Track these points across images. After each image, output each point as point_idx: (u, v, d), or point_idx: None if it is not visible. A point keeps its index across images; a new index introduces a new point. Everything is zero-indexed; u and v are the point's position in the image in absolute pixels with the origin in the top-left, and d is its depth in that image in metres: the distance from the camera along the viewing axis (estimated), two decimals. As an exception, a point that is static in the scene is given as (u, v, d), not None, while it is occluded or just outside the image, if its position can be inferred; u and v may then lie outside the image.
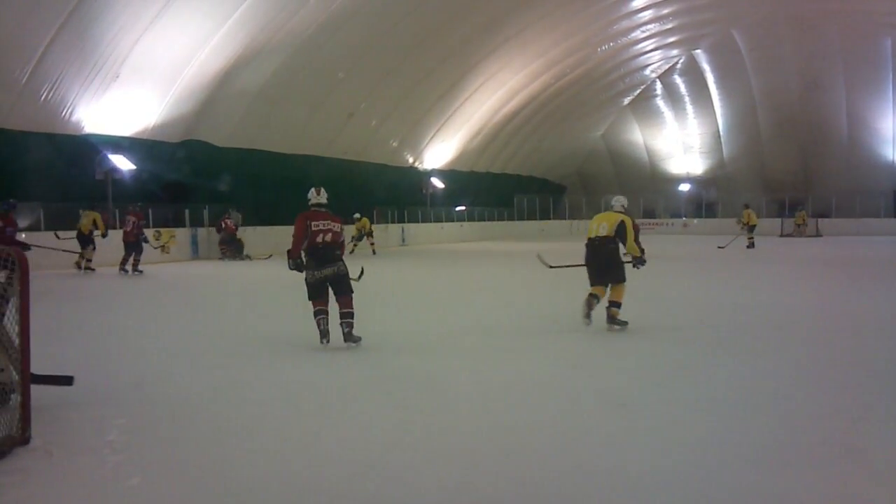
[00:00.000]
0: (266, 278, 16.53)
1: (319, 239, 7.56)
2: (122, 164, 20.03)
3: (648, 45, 35.21)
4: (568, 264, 10.16)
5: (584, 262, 8.78)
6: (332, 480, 3.91)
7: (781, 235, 37.06)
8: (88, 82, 18.45)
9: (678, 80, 40.55)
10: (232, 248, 21.86)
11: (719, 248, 24.72)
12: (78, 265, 17.01)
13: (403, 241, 30.71)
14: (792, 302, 11.65)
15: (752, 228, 26.12)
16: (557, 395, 5.77)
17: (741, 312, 10.44)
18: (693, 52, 37.72)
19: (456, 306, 11.62)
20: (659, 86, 41.21)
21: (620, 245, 8.54)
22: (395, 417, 5.07)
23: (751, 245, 25.61)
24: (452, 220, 36.08)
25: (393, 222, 31.05)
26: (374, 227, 25.27)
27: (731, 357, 7.28)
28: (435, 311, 11.10)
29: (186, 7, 18.20)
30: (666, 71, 39.72)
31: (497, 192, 40.34)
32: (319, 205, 7.91)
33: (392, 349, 7.64)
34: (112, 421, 4.95)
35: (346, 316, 7.50)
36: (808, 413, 5.21)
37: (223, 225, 22.09)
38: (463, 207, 37.30)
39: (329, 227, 7.67)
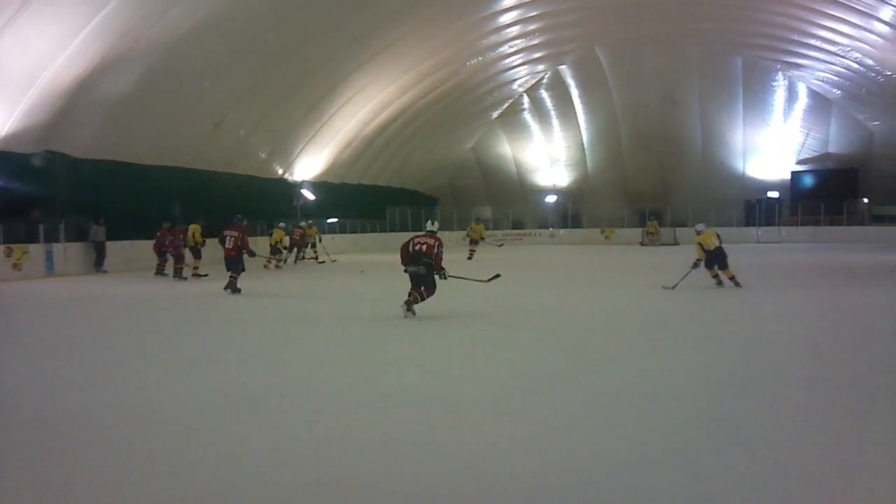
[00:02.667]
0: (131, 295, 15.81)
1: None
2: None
3: (516, 59, 35.99)
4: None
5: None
6: None
7: (640, 244, 38.69)
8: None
9: (544, 94, 41.62)
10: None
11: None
12: None
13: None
14: (662, 308, 12.10)
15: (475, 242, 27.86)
16: (434, 404, 5.78)
17: (616, 317, 10.82)
18: (558, 67, 38.83)
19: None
20: (526, 100, 42.17)
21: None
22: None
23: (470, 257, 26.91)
24: (324, 233, 35.66)
25: (262, 234, 30.35)
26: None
27: (600, 362, 7.51)
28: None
29: (41, 13, 17.20)
30: (532, 85, 40.70)
31: (369, 203, 40.19)
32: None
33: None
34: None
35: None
36: (677, 414, 5.41)
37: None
38: (335, 220, 36.98)
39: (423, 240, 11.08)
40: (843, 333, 9.83)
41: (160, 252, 20.34)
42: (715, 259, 14.63)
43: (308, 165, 33.95)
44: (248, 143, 29.35)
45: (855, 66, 32.40)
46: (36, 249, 20.70)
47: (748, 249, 32.63)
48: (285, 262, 24.92)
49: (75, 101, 20.40)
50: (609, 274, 20.95)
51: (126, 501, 4.00)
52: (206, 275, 19.40)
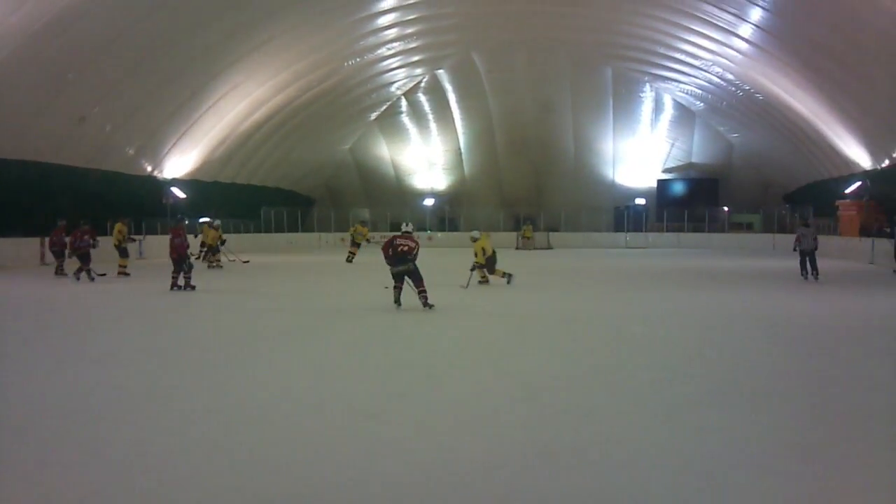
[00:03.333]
0: None
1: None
2: None
3: (394, 62, 35.97)
4: None
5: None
6: None
7: (517, 248, 39.38)
8: None
9: (422, 97, 41.79)
10: None
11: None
12: None
13: (141, 253, 28.97)
14: (532, 308, 12.33)
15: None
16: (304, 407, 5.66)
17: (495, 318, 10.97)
18: (436, 71, 39.07)
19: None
20: (404, 103, 42.22)
21: None
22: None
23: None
24: (195, 233, 34.54)
25: (135, 234, 29.08)
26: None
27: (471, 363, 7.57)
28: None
29: None
30: (410, 89, 40.79)
31: (243, 203, 39.24)
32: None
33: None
34: None
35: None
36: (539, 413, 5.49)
37: None
38: (206, 219, 35.86)
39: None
40: (708, 333, 10.26)
41: (58, 252, 19.95)
42: (492, 262, 16.63)
43: (179, 163, 32.87)
44: (115, 139, 28.17)
45: (716, 80, 34.03)
46: None
47: (617, 254, 33.90)
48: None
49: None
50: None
51: None
52: (128, 274, 19.70)
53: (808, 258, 18.48)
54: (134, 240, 20.96)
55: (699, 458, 4.66)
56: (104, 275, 18.99)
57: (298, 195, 46.03)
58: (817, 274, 18.38)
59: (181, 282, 16.00)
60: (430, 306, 12.12)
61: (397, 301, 12.32)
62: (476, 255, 16.42)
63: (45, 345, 9.26)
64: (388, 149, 45.97)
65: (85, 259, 18.53)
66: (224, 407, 5.93)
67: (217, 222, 25.91)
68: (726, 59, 30.81)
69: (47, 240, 20.92)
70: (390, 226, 45.43)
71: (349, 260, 26.39)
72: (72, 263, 19.26)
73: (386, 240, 12.67)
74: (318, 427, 5.33)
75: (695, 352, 8.80)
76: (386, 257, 12.38)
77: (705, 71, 33.50)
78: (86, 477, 4.32)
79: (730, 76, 32.87)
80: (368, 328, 10.69)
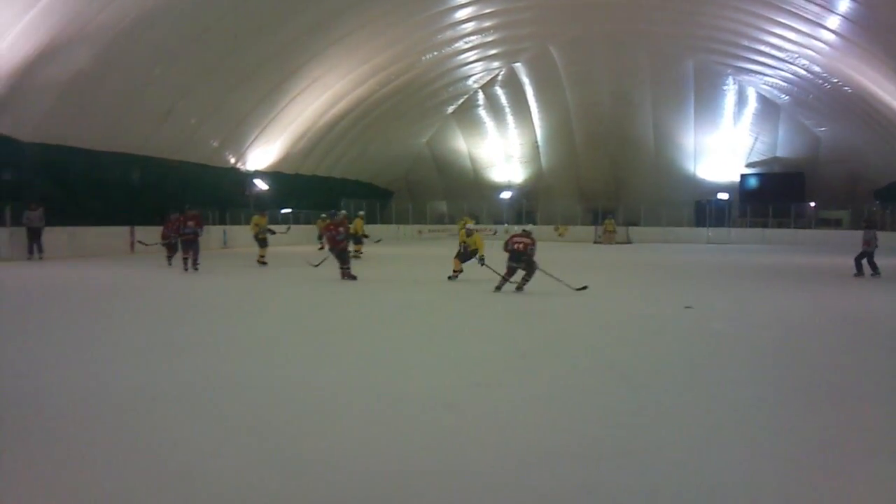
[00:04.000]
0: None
1: None
2: None
3: (471, 56, 36.11)
4: None
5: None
6: None
7: (595, 242, 39.10)
8: None
9: (499, 91, 41.84)
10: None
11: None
12: None
13: (225, 243, 29.90)
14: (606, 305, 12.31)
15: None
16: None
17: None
18: (513, 64, 39.03)
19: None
20: (481, 96, 42.34)
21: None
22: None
23: None
24: (278, 223, 35.43)
25: (215, 224, 30.09)
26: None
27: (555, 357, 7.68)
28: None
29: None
30: (488, 82, 40.88)
31: (323, 195, 39.95)
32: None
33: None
34: None
35: None
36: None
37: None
38: (288, 210, 36.79)
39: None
40: (788, 333, 10.06)
41: (169, 244, 19.70)
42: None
43: (261, 155, 33.72)
44: (200, 132, 29.07)
45: (802, 72, 33.01)
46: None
47: (699, 250, 33.22)
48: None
49: (22, 85, 20.10)
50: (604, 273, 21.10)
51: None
52: (266, 263, 20.06)
53: (869, 257, 17.95)
54: (273, 231, 20.88)
55: (770, 459, 4.60)
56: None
57: (377, 188, 46.66)
58: (860, 272, 17.87)
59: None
60: (521, 290, 13.51)
61: (498, 288, 13.60)
62: (479, 247, 15.70)
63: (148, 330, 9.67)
64: (465, 142, 46.15)
65: (187, 247, 17.61)
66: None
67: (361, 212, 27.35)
68: (813, 50, 29.87)
69: (161, 229, 20.51)
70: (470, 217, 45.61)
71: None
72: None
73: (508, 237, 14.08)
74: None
75: (773, 351, 8.59)
76: (506, 250, 13.71)
77: (791, 63, 32.54)
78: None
79: (816, 68, 31.85)
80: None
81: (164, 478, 4.11)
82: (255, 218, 20.77)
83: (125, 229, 25.51)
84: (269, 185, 34.51)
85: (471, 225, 24.05)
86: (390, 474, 4.18)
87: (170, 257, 19.63)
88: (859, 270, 17.88)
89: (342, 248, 15.86)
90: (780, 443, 4.88)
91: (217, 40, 24.48)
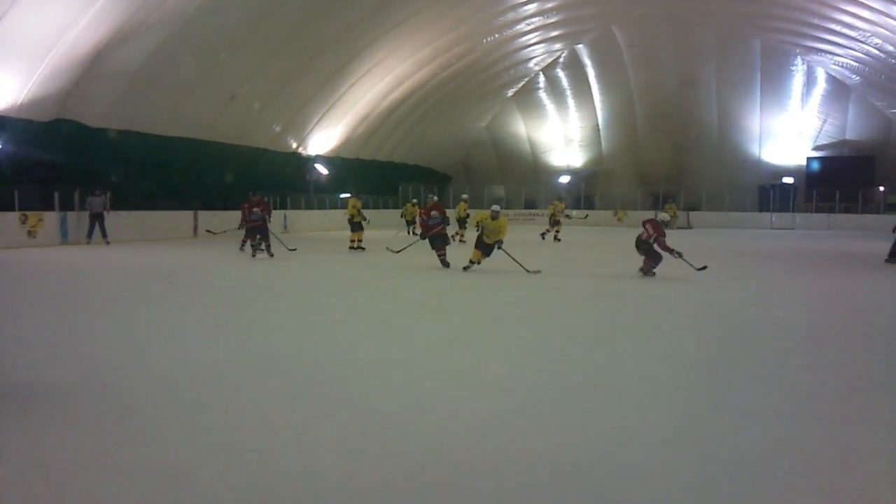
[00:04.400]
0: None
1: None
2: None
3: (532, 38, 35.80)
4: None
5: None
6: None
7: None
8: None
9: (560, 73, 41.42)
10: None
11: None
12: None
13: (286, 227, 30.21)
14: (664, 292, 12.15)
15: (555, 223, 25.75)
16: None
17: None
18: (575, 46, 38.60)
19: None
20: (542, 79, 41.98)
21: None
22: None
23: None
24: (336, 208, 35.75)
25: (275, 208, 30.39)
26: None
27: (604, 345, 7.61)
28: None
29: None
30: (549, 64, 40.50)
31: (382, 179, 40.14)
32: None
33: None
34: None
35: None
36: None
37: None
38: (348, 195, 36.97)
39: None
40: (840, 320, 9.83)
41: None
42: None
43: (322, 140, 33.96)
44: (263, 117, 29.39)
45: (875, 52, 32.05)
46: (50, 217, 20.82)
47: (762, 235, 32.55)
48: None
49: (92, 71, 20.52)
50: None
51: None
52: (363, 248, 20.09)
53: None
54: (365, 219, 20.61)
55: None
56: (294, 249, 19.09)
57: (435, 172, 46.67)
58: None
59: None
60: (651, 273, 13.46)
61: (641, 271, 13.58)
62: (501, 231, 14.08)
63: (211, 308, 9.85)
64: (524, 125, 45.87)
65: (255, 233, 17.32)
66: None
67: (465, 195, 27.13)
68: (887, 29, 28.99)
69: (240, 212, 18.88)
70: (524, 203, 45.44)
71: (557, 238, 25.31)
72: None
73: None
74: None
75: (829, 340, 8.37)
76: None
77: (863, 42, 31.60)
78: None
79: (890, 48, 30.88)
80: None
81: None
82: (352, 200, 20.57)
83: (189, 214, 25.94)
84: (330, 170, 34.77)
85: (571, 211, 23.31)
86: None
87: (245, 243, 18.72)
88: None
89: (437, 234, 15.16)
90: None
91: (279, 25, 24.66)
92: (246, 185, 23.32)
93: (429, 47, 31.86)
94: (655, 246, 13.08)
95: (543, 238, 25.45)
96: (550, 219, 26.04)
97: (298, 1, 23.92)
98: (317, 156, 34.24)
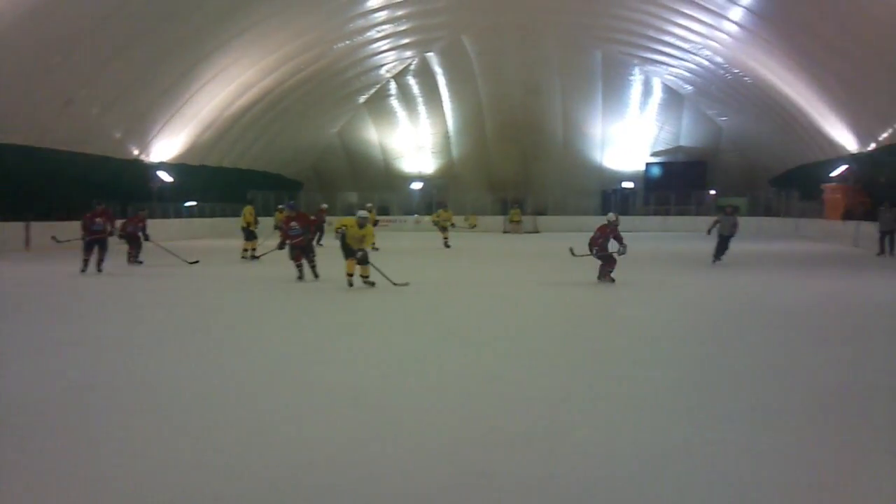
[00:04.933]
0: None
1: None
2: None
3: (383, 45, 35.76)
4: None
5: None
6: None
7: (504, 232, 39.44)
8: None
9: (411, 80, 41.60)
10: None
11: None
12: None
13: (147, 237, 28.67)
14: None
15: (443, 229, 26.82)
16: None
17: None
18: (425, 54, 38.90)
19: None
20: (393, 85, 42.04)
21: None
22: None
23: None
24: (181, 216, 34.45)
25: (117, 218, 28.81)
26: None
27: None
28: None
29: None
30: (400, 71, 40.60)
31: (230, 187, 38.93)
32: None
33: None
34: None
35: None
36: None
37: None
38: (193, 203, 35.78)
39: None
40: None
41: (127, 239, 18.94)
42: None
43: (166, 147, 32.58)
44: (102, 122, 27.86)
45: (706, 63, 34.06)
46: None
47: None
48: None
49: None
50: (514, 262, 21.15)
51: None
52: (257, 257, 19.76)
53: (724, 242, 18.63)
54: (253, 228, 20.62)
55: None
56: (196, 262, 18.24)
57: (286, 179, 45.77)
58: (720, 258, 18.68)
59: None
60: (612, 280, 14.00)
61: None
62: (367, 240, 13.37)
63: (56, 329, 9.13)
64: (376, 132, 45.80)
65: (92, 246, 16.00)
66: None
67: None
68: (716, 42, 30.85)
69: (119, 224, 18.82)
70: (377, 210, 45.25)
71: (447, 245, 26.21)
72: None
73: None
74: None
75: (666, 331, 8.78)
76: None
77: (695, 54, 33.52)
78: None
79: (719, 59, 32.91)
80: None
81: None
82: (248, 208, 20.92)
83: (20, 225, 24.20)
84: (174, 177, 33.44)
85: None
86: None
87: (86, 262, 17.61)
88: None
89: (299, 245, 14.54)
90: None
91: (120, 29, 23.30)
92: (85, 194, 22.04)
93: (277, 53, 31.23)
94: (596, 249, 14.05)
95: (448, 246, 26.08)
96: (437, 226, 27.10)
97: (139, 5, 22.79)
98: (160, 163, 32.82)
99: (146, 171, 32.13)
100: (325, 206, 28.09)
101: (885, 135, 26.67)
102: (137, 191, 30.97)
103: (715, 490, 4.09)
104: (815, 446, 4.91)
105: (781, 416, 5.56)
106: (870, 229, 23.88)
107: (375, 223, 26.77)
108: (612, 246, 14.28)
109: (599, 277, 14.16)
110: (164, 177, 32.96)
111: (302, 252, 14.64)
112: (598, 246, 14.15)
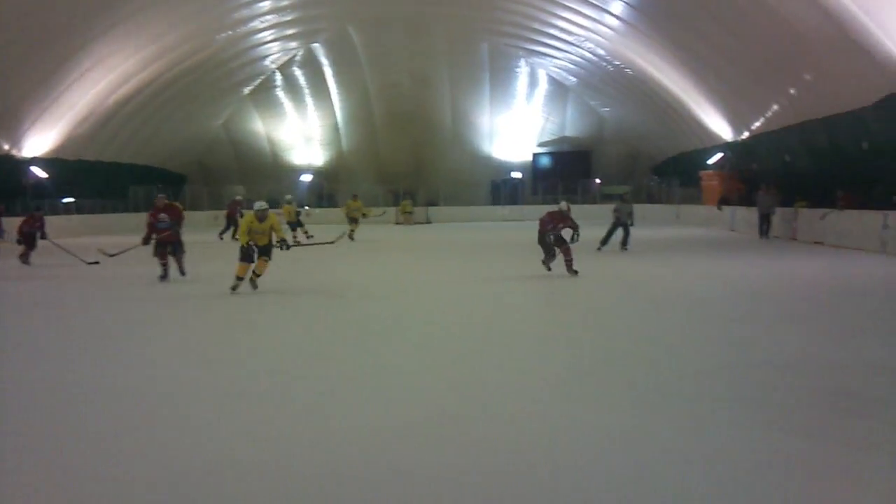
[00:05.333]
0: None
1: None
2: None
3: (267, 35, 35.00)
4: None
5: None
6: None
7: (396, 223, 39.44)
8: None
9: (297, 72, 40.95)
10: None
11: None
12: None
13: (2, 236, 27.24)
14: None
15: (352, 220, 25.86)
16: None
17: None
18: (311, 45, 38.35)
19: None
20: (279, 77, 41.29)
21: None
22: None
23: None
24: (58, 213, 32.83)
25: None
26: None
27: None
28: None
29: None
30: (285, 63, 39.89)
31: (110, 182, 37.42)
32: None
33: None
34: None
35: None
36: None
37: None
38: (71, 200, 34.22)
39: None
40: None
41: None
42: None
43: (40, 141, 30.99)
44: (-33, 117, 26.32)
45: (589, 55, 34.86)
46: None
47: (493, 228, 34.33)
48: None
49: None
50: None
51: None
52: None
53: (623, 229, 19.58)
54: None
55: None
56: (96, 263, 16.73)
57: (169, 173, 44.27)
58: (627, 246, 19.53)
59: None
60: (576, 272, 13.63)
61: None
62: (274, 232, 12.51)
63: None
64: (262, 124, 44.89)
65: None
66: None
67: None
68: (599, 35, 31.58)
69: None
70: (268, 202, 44.38)
71: (352, 238, 24.70)
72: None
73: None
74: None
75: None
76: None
77: (578, 47, 34.24)
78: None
79: (601, 52, 33.72)
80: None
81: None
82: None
83: None
84: (49, 173, 31.86)
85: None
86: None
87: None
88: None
89: (168, 240, 13.69)
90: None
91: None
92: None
93: (156, 44, 30.08)
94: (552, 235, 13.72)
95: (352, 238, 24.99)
96: (347, 217, 25.99)
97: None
98: (33, 158, 31.19)
99: (18, 166, 30.51)
100: (239, 197, 27.16)
101: (757, 124, 27.99)
102: (9, 188, 29.42)
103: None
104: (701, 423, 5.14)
105: (666, 396, 5.76)
106: (745, 214, 25.10)
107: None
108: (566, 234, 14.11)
109: (544, 262, 13.95)
110: (39, 172, 31.39)
111: (171, 248, 13.85)
112: (549, 230, 13.76)
